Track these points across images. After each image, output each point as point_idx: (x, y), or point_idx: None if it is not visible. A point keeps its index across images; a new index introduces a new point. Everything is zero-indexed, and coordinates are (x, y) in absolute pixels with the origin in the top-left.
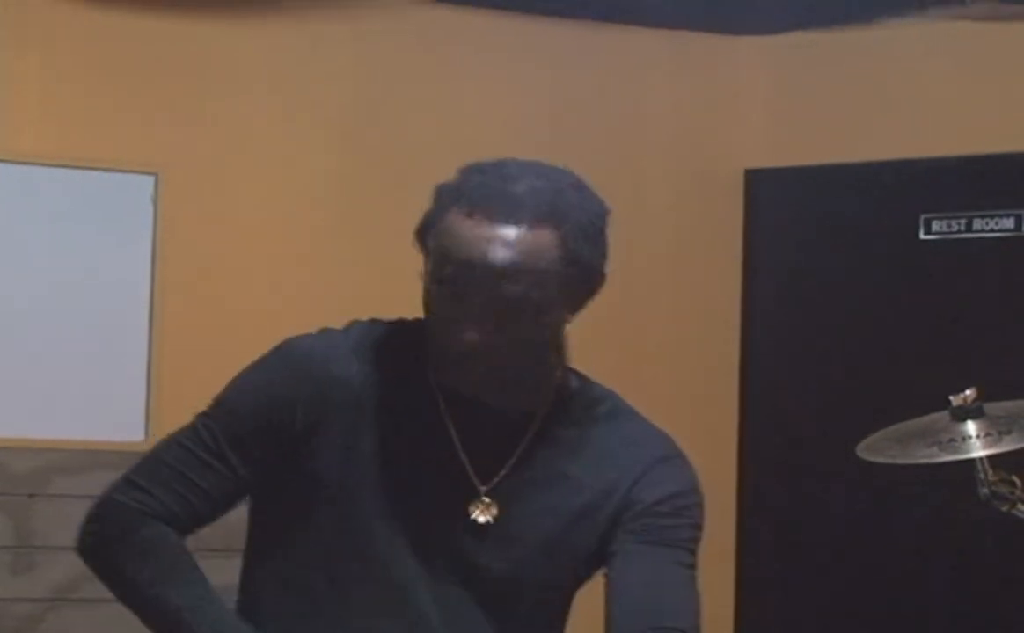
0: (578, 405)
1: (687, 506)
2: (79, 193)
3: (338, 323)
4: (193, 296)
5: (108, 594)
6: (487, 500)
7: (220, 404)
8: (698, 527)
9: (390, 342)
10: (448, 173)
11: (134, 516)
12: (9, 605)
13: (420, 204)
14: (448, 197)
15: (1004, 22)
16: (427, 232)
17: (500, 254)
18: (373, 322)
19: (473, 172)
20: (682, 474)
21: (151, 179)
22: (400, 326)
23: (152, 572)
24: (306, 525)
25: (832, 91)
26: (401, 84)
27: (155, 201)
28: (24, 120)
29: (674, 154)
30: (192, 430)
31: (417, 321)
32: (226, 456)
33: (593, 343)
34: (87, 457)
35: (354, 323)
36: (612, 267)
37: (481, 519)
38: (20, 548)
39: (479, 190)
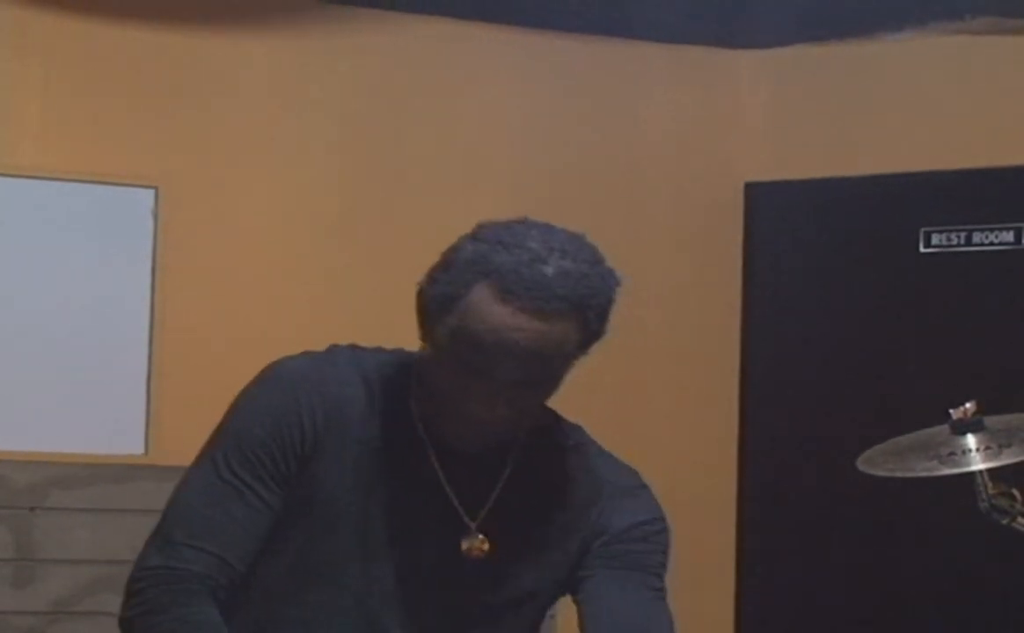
0: (549, 438)
1: (656, 532)
2: (80, 207)
3: (340, 336)
4: (193, 309)
5: (109, 607)
6: (480, 536)
7: (232, 435)
8: (666, 553)
9: (377, 371)
10: (447, 187)
11: (176, 586)
12: (10, 618)
13: (420, 218)
14: (471, 270)
15: (1004, 36)
16: (444, 304)
17: (533, 345)
18: (355, 348)
19: (497, 246)
20: (649, 503)
21: (151, 192)
22: (383, 356)
23: None
24: (286, 545)
25: (832, 104)
26: (401, 97)
27: (155, 215)
28: (25, 134)
29: (674, 167)
30: (211, 470)
31: (399, 354)
32: (259, 491)
33: (593, 356)
34: (88, 471)
35: (335, 347)
36: None
37: (475, 554)
38: (21, 561)
39: (513, 273)
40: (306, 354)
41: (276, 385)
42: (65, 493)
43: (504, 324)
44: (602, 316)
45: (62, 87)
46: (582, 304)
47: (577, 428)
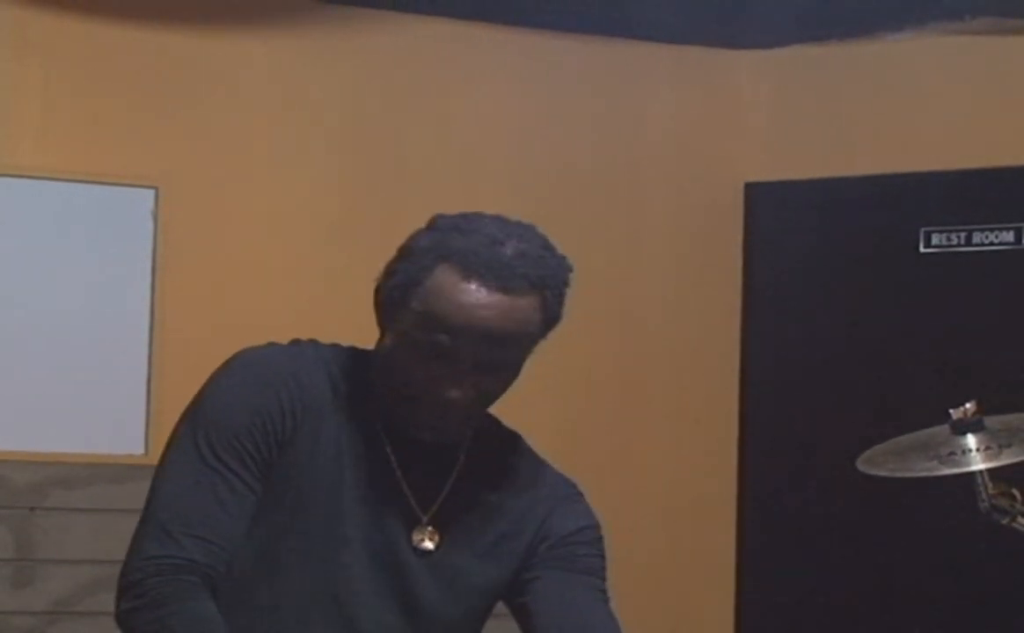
0: (493, 440)
1: (597, 539)
2: (80, 207)
3: (339, 334)
4: (193, 309)
5: (109, 607)
6: (430, 528)
7: (214, 423)
8: (604, 558)
9: (338, 366)
10: (447, 187)
11: (178, 578)
12: (10, 618)
13: (417, 217)
14: (431, 255)
15: (1004, 36)
16: (405, 291)
17: (497, 323)
18: (316, 344)
19: (454, 232)
20: (588, 511)
21: (151, 193)
22: (341, 352)
23: None
24: (259, 531)
25: (832, 105)
26: (401, 97)
27: (155, 215)
28: (25, 134)
29: (675, 167)
30: (197, 458)
31: (354, 351)
32: (244, 476)
33: (596, 354)
34: (88, 471)
35: (299, 341)
36: (615, 278)
37: (426, 545)
38: (21, 561)
39: (472, 254)
40: (273, 345)
41: (253, 373)
42: (65, 493)
43: (469, 302)
44: (559, 298)
45: (62, 87)
46: (541, 283)
47: (516, 434)
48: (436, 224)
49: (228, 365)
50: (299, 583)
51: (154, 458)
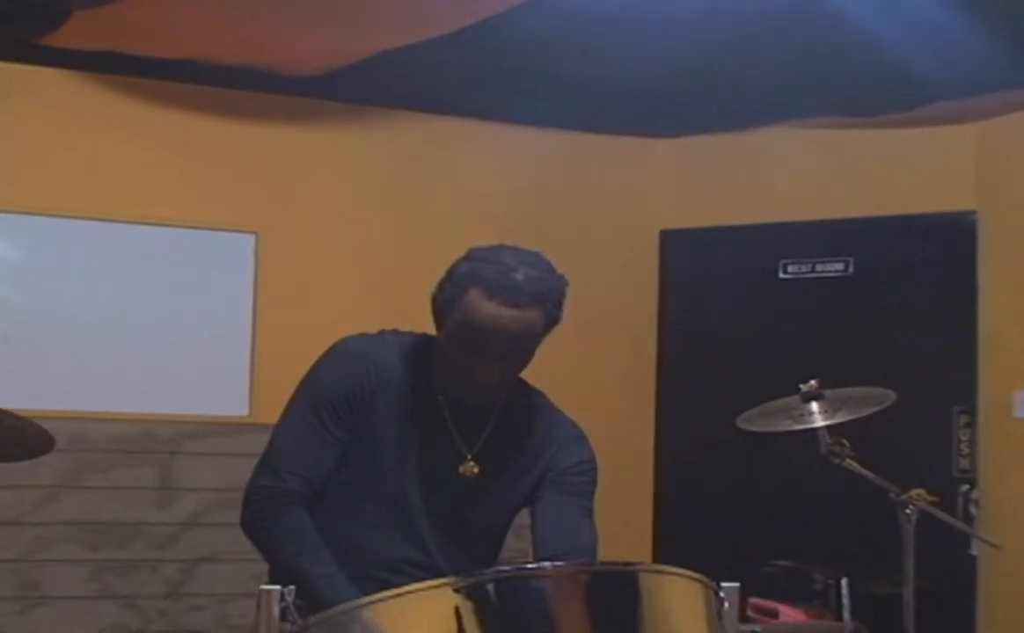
0: (521, 397)
1: (590, 470)
2: (203, 246)
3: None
4: (282, 319)
5: (226, 520)
6: (471, 462)
7: (315, 392)
8: (595, 485)
9: (409, 349)
10: (454, 234)
11: (280, 499)
12: (156, 528)
13: (435, 254)
14: (466, 280)
15: (838, 130)
16: (450, 303)
17: (511, 328)
18: (397, 333)
19: (482, 262)
20: (587, 448)
21: (253, 237)
22: (414, 339)
23: (296, 547)
24: (344, 470)
25: (721, 176)
26: (423, 171)
27: (256, 253)
28: (166, 196)
29: (611, 219)
30: (301, 417)
31: (424, 337)
32: (332, 430)
33: (556, 351)
34: (210, 427)
35: (384, 331)
36: (569, 298)
37: (468, 475)
38: (163, 489)
39: (494, 280)
40: (363, 334)
41: (344, 357)
42: (194, 442)
43: (492, 314)
44: (558, 306)
45: (192, 165)
46: (543, 298)
47: (540, 392)
48: (470, 255)
49: (329, 350)
50: (375, 502)
51: (256, 419)
